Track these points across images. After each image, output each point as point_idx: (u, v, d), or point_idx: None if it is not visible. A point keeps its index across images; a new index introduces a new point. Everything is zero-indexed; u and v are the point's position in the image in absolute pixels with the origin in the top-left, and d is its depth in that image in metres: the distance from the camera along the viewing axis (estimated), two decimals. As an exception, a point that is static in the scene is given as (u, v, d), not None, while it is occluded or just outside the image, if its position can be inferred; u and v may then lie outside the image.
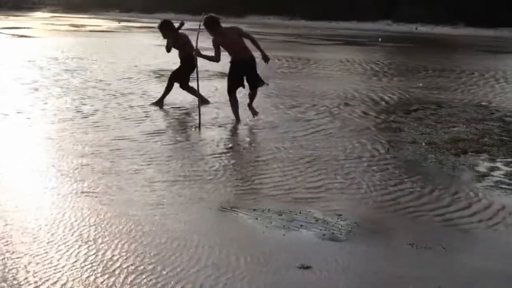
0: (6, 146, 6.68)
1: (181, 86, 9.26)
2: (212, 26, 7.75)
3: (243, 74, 7.93)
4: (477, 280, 3.76)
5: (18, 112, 8.34)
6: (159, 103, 9.12)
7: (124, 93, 10.11)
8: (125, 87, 10.71)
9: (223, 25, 7.95)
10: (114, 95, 9.89)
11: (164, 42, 9.27)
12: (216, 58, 7.91)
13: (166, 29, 9.14)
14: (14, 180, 5.40)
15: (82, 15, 47.73)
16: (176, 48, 9.25)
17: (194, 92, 8.97)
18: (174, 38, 9.10)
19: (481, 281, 3.75)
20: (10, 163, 5.95)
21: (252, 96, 8.15)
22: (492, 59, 19.74)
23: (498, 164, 6.33)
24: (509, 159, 6.53)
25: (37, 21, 37.59)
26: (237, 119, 8.05)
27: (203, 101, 9.05)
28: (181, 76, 9.21)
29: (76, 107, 8.84)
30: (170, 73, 9.58)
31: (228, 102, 8.18)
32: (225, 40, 7.74)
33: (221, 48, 7.80)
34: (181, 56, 9.24)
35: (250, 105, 8.13)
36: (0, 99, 9.32)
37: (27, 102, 9.16)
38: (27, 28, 28.98)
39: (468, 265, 3.97)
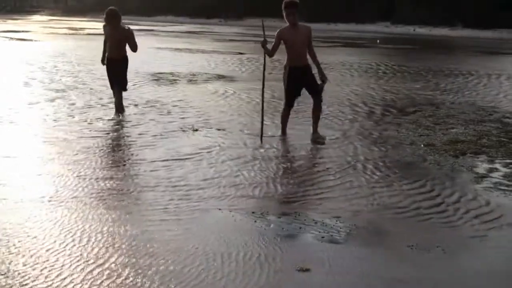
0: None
1: (115, 88, 8.60)
2: (287, 9, 6.84)
3: (300, 82, 7.08)
4: (477, 282, 3.75)
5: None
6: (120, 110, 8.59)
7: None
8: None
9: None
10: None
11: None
12: (270, 52, 7.04)
13: (118, 18, 8.30)
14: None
15: (80, 18, 47.75)
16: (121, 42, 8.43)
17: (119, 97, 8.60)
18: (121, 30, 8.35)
19: (481, 283, 3.74)
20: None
21: (315, 112, 7.33)
22: (490, 60, 19.76)
23: (497, 166, 6.33)
24: (508, 160, 6.53)
25: (36, 24, 37.59)
26: (283, 133, 7.38)
27: (118, 110, 8.55)
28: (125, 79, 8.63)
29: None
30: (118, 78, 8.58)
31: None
32: (292, 35, 6.91)
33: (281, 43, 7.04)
34: (122, 53, 8.50)
35: (314, 129, 7.32)
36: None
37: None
38: (28, 31, 29.01)
39: (468, 267, 3.96)
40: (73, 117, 8.39)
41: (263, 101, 7.28)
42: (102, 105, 9.28)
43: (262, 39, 6.95)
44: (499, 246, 4.29)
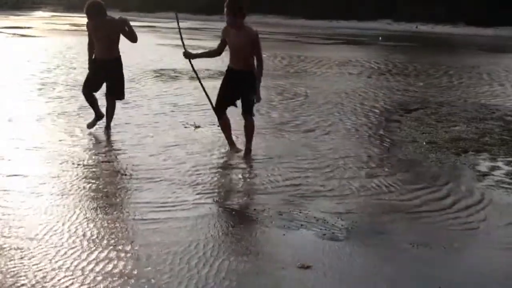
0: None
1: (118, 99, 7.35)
2: (234, 8, 5.91)
3: (235, 87, 6.19)
4: (477, 280, 3.75)
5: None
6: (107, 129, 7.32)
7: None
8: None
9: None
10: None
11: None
12: (213, 52, 6.45)
13: (103, 11, 7.05)
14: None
15: (82, 15, 47.54)
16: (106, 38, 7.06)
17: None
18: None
19: (482, 281, 3.74)
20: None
21: (246, 129, 6.29)
22: (492, 58, 19.71)
23: (499, 163, 6.33)
24: (510, 158, 6.52)
25: (38, 20, 37.56)
26: (231, 145, 6.50)
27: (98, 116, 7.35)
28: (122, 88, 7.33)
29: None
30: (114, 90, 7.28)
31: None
32: (232, 37, 6.10)
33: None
34: (115, 53, 7.18)
35: (246, 147, 6.33)
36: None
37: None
38: (30, 27, 28.96)
39: (469, 265, 3.96)
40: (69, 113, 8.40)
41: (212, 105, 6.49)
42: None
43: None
44: (501, 244, 4.28)
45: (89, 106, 7.38)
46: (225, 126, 6.44)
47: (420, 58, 18.29)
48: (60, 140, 6.74)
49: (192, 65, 6.76)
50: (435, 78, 13.64)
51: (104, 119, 7.38)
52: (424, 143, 7.13)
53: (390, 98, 10.52)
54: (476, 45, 25.09)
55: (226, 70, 6.30)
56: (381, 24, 37.69)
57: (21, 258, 3.73)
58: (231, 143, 6.50)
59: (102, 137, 7.04)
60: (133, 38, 7.10)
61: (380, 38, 27.72)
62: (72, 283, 3.43)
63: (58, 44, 19.31)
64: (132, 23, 7.31)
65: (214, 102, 6.42)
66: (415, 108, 9.55)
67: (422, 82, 12.84)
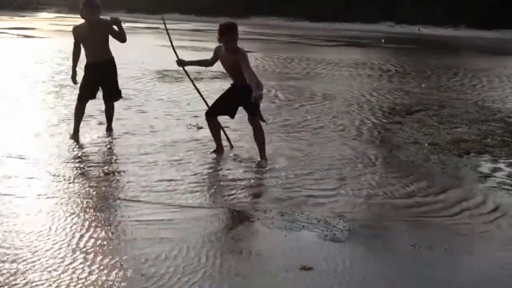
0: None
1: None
2: (231, 32, 6.01)
3: (235, 98, 6.28)
4: (479, 282, 3.75)
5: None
6: (108, 128, 7.33)
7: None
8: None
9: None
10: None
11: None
12: (206, 62, 6.65)
13: (99, 9, 6.83)
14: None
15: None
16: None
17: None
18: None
19: (483, 282, 3.75)
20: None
21: (255, 137, 6.28)
22: (494, 60, 19.72)
23: (501, 165, 6.34)
24: (512, 160, 6.53)
25: (42, 21, 37.61)
26: (217, 146, 6.51)
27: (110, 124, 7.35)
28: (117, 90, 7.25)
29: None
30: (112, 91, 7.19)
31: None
32: (221, 57, 6.25)
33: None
34: (110, 54, 7.05)
35: (260, 156, 6.27)
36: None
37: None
38: (34, 28, 29.01)
39: (470, 266, 3.97)
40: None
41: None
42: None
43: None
44: (502, 245, 4.29)
45: (74, 121, 7.05)
46: (214, 130, 6.49)
47: (421, 60, 18.31)
48: (61, 147, 6.75)
49: (185, 71, 7.04)
50: (437, 79, 13.67)
51: (105, 122, 7.46)
52: (426, 144, 7.14)
53: (392, 99, 10.53)
54: (478, 47, 25.08)
55: (231, 86, 6.39)
56: (383, 27, 37.71)
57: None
58: (218, 144, 6.52)
59: (103, 141, 6.99)
60: (122, 37, 6.84)
61: (382, 40, 27.79)
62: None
63: (67, 46, 19.31)
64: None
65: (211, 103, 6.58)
66: (417, 110, 9.56)
67: (424, 83, 12.86)
